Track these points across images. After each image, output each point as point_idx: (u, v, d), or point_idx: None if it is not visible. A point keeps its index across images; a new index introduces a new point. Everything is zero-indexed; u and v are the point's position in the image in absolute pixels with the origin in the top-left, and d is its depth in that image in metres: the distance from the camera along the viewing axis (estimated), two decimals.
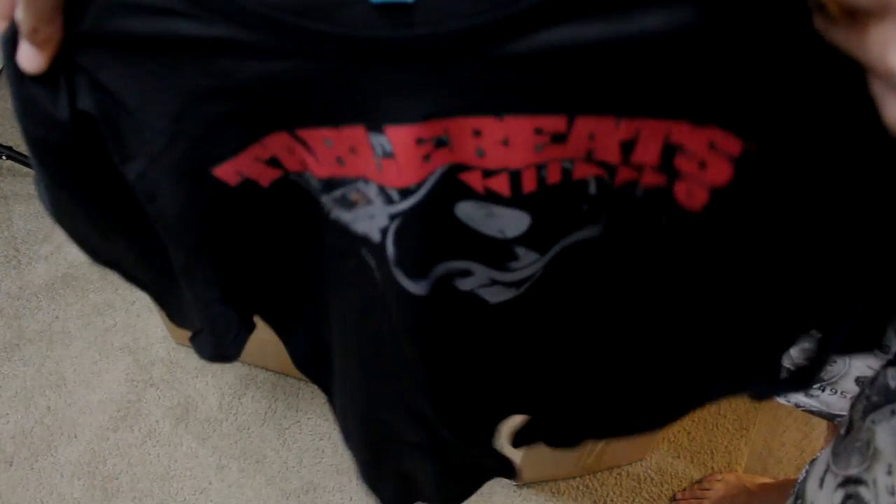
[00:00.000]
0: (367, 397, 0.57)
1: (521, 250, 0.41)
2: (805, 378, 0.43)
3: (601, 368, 0.53)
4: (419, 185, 0.36)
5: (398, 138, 0.34)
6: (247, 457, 1.22)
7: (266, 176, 0.39)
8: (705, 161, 0.33)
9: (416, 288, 0.42)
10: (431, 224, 0.39)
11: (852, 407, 0.43)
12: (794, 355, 0.43)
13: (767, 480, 1.14)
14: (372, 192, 0.37)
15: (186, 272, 0.45)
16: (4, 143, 1.48)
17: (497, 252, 0.41)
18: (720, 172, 0.33)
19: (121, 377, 1.31)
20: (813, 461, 0.50)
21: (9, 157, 1.48)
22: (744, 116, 0.31)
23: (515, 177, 0.36)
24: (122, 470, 1.20)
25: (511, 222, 0.39)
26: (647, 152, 0.34)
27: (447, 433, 0.56)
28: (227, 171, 0.38)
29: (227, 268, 0.46)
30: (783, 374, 0.44)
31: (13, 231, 1.51)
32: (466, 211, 0.39)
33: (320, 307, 0.50)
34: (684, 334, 0.46)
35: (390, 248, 0.40)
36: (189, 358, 1.33)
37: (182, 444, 1.23)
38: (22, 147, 1.59)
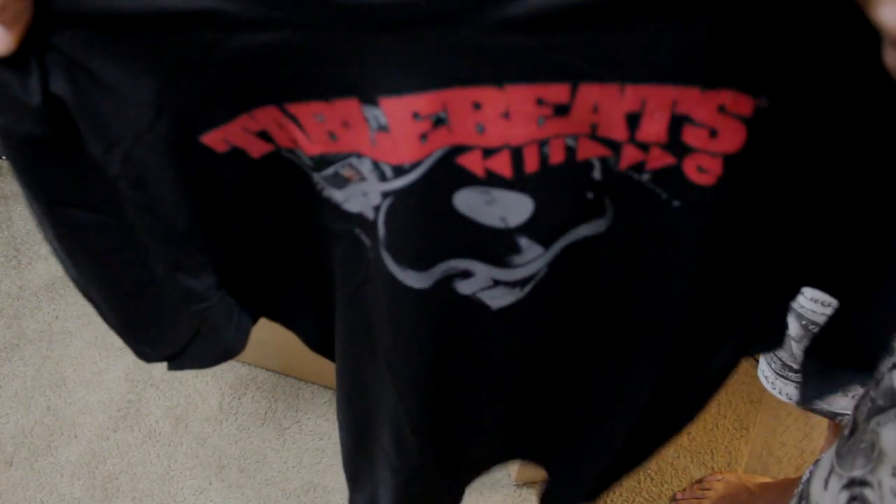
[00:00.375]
0: (356, 384, 0.55)
1: (523, 241, 0.39)
2: (855, 359, 0.41)
3: (611, 390, 0.50)
4: (414, 166, 0.35)
5: (393, 110, 0.33)
6: (247, 457, 1.21)
7: (256, 148, 0.38)
8: (716, 128, 0.32)
9: (405, 277, 0.40)
10: (427, 212, 0.37)
11: (856, 409, 0.43)
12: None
13: (767, 480, 1.14)
14: (366, 167, 0.36)
15: (177, 266, 0.43)
16: None
17: (499, 245, 0.40)
18: (733, 137, 0.32)
19: (121, 377, 1.31)
20: (817, 462, 0.50)
21: None
22: (753, 72, 0.30)
23: (517, 155, 0.35)
24: (122, 470, 1.20)
25: (513, 208, 0.37)
26: (654, 126, 0.32)
27: (415, 445, 0.53)
28: (215, 139, 0.36)
29: (221, 250, 0.44)
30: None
31: (13, 231, 1.51)
32: (466, 200, 0.37)
33: (323, 288, 0.48)
34: (696, 317, 0.44)
35: (381, 229, 0.38)
36: None
37: (182, 444, 1.23)
38: None
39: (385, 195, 0.37)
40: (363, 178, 0.37)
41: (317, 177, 0.38)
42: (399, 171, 0.35)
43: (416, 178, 0.36)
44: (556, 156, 0.35)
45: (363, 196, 0.37)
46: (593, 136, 0.34)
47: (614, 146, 0.34)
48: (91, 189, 0.39)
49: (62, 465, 1.20)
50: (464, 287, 0.42)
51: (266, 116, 0.35)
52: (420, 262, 0.40)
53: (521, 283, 0.42)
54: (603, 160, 0.35)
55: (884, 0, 0.23)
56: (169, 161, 0.37)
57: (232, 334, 0.49)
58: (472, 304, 0.43)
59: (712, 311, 0.43)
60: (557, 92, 0.31)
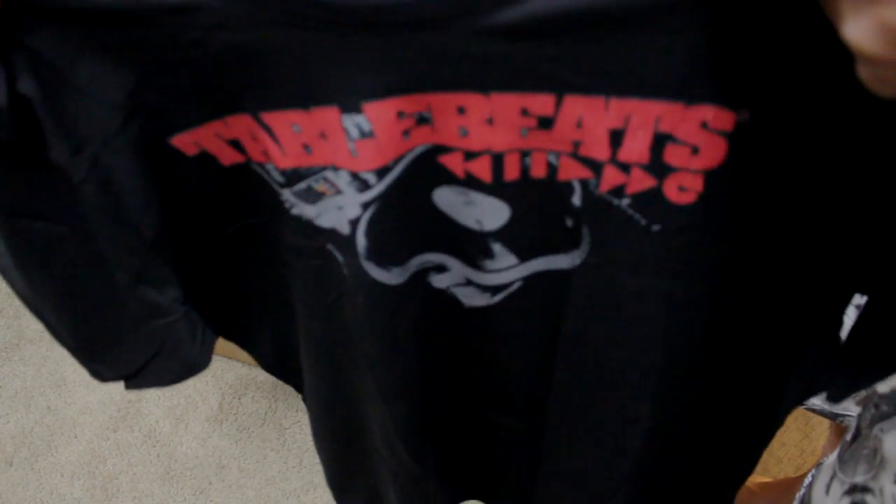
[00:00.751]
0: (336, 397, 0.54)
1: (497, 247, 0.39)
2: (870, 354, 0.38)
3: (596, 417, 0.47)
4: (397, 162, 0.35)
5: (378, 114, 0.32)
6: (247, 457, 1.22)
7: (227, 155, 0.37)
8: (698, 145, 0.32)
9: (387, 277, 0.40)
10: (407, 209, 0.37)
11: (860, 415, 0.43)
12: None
13: (767, 480, 1.14)
14: (342, 180, 0.35)
15: (141, 278, 0.42)
16: None
17: (473, 246, 0.39)
18: (714, 152, 0.32)
19: None
20: (818, 466, 0.50)
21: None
22: (735, 86, 0.30)
23: (498, 161, 0.34)
24: (122, 470, 1.20)
25: (490, 212, 0.37)
26: (637, 144, 0.32)
27: (403, 452, 0.53)
28: (185, 141, 0.35)
29: (186, 261, 0.43)
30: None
31: None
32: (445, 197, 0.37)
33: (284, 307, 0.48)
34: (696, 354, 0.41)
35: (360, 241, 0.38)
36: None
37: (182, 444, 1.23)
38: None
39: (366, 206, 0.36)
40: (339, 192, 0.36)
41: (286, 194, 0.38)
42: (382, 172, 0.35)
43: (398, 175, 0.35)
44: (538, 170, 0.35)
45: (337, 210, 0.37)
46: (575, 154, 0.33)
47: (596, 167, 0.34)
48: (51, 199, 0.37)
49: (62, 465, 1.20)
50: (438, 281, 0.42)
51: (239, 125, 0.35)
52: (399, 258, 0.40)
53: (493, 289, 0.42)
54: (584, 183, 0.35)
55: (849, 18, 0.23)
56: (138, 164, 0.36)
57: (197, 349, 0.48)
58: (445, 298, 0.43)
59: (735, 351, 0.41)
60: (542, 102, 0.31)
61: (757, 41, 0.28)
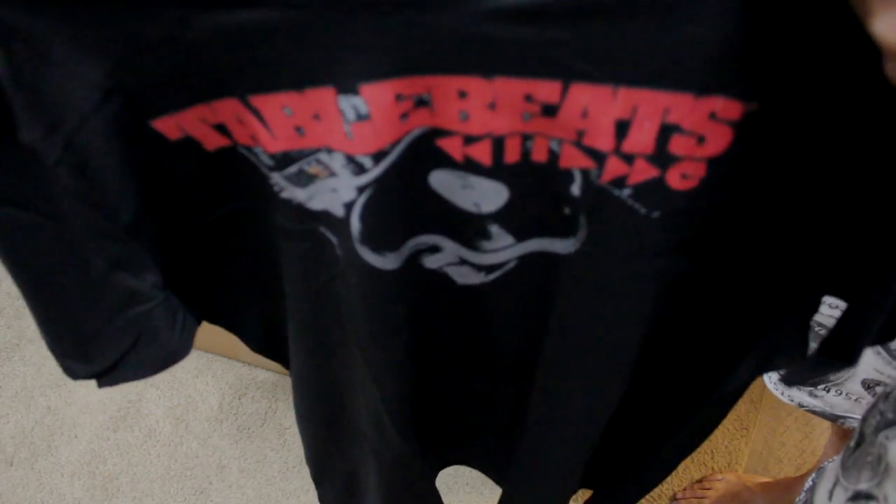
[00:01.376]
0: (321, 378, 0.54)
1: (494, 228, 0.38)
2: (839, 350, 0.39)
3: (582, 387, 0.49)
4: (394, 146, 0.34)
5: (375, 96, 0.31)
6: (247, 457, 1.21)
7: (211, 140, 0.35)
8: (704, 135, 0.31)
9: (382, 262, 0.39)
10: (403, 193, 0.36)
11: (864, 420, 0.43)
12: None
13: (767, 480, 1.14)
14: (337, 163, 0.34)
15: (118, 264, 0.40)
16: None
17: (469, 228, 0.39)
18: (720, 140, 0.31)
19: None
20: (820, 470, 0.49)
21: None
22: (748, 78, 0.29)
23: (498, 144, 0.34)
24: (122, 470, 1.20)
25: (488, 195, 0.36)
26: (642, 136, 0.31)
27: (393, 432, 0.53)
28: (168, 125, 0.34)
29: (166, 246, 0.41)
30: (810, 350, 0.41)
31: None
32: (441, 180, 0.36)
33: (272, 290, 0.46)
34: (683, 333, 0.44)
35: (355, 224, 0.37)
36: (189, 358, 1.33)
37: (182, 444, 1.23)
38: None
39: (361, 189, 0.35)
40: (332, 174, 0.35)
41: (276, 177, 0.36)
42: (379, 156, 0.34)
43: (395, 159, 0.34)
44: (539, 154, 0.34)
45: (331, 192, 0.36)
46: (578, 143, 0.33)
47: (598, 157, 0.33)
48: (20, 182, 0.35)
49: (62, 465, 1.20)
50: (430, 262, 0.42)
51: (225, 109, 0.33)
52: (394, 242, 0.39)
53: (488, 268, 0.42)
54: (584, 172, 0.34)
55: (879, 13, 0.23)
56: (116, 146, 0.34)
57: (177, 336, 0.46)
58: (438, 278, 0.43)
59: (708, 325, 0.42)
60: (548, 89, 0.30)
61: (775, 33, 0.28)
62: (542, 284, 0.42)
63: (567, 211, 0.36)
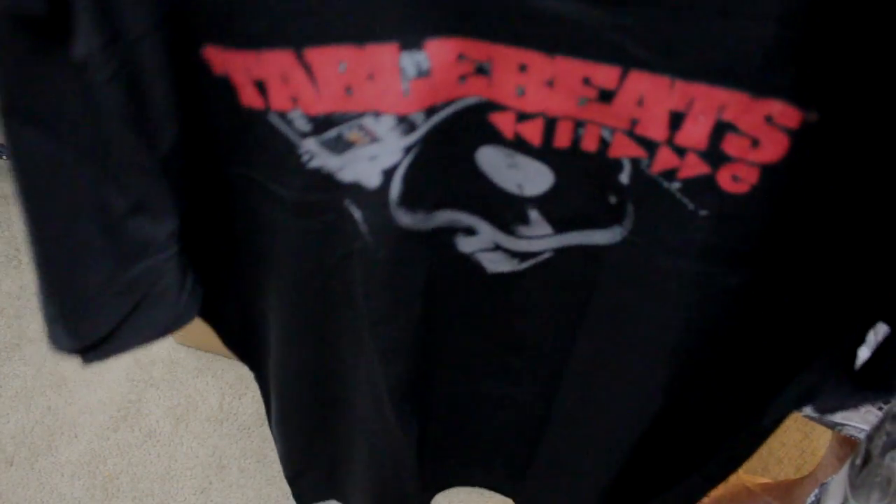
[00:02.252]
0: (313, 366, 0.52)
1: (534, 214, 0.38)
2: (878, 380, 0.37)
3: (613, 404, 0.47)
4: (446, 106, 0.34)
5: (439, 52, 0.31)
6: (247, 457, 1.22)
7: (247, 95, 0.34)
8: (759, 139, 0.31)
9: (415, 222, 0.38)
10: (448, 158, 0.36)
11: (870, 440, 0.42)
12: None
13: (767, 480, 1.14)
14: (383, 127, 0.34)
15: (141, 205, 0.37)
16: (4, 143, 1.48)
17: (509, 210, 0.38)
18: (775, 147, 0.31)
19: (121, 377, 1.31)
20: (824, 486, 0.49)
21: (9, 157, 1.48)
22: (808, 84, 0.29)
23: (550, 125, 0.33)
24: (122, 470, 1.20)
25: (533, 177, 0.36)
26: (696, 130, 0.31)
27: (391, 418, 0.51)
28: (215, 57, 0.33)
29: (188, 192, 0.40)
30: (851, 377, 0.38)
31: (13, 231, 1.51)
32: (488, 157, 0.36)
33: (258, 273, 0.44)
34: (723, 349, 0.41)
35: (395, 188, 0.36)
36: (189, 358, 1.33)
37: (182, 444, 1.23)
38: None
39: (408, 149, 0.35)
40: (374, 140, 0.34)
41: (309, 144, 0.35)
42: (430, 113, 0.34)
43: (445, 118, 0.34)
44: (589, 143, 0.34)
45: (368, 161, 0.35)
46: (631, 132, 0.32)
47: (650, 146, 0.33)
48: (55, 101, 0.33)
49: (62, 465, 1.20)
50: (464, 245, 0.41)
51: (273, 63, 0.32)
52: (431, 204, 0.38)
53: (522, 255, 0.41)
54: (635, 161, 0.34)
55: None
56: (168, 67, 0.33)
57: (185, 298, 0.43)
58: (469, 265, 0.42)
59: (748, 346, 0.40)
60: (606, 74, 0.30)
61: (839, 41, 0.27)
62: (578, 279, 0.41)
63: (613, 200, 0.36)
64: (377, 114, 0.33)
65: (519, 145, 0.35)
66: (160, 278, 0.41)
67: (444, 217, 0.39)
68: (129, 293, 0.40)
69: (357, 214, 0.38)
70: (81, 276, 0.39)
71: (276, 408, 0.60)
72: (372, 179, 0.36)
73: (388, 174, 0.36)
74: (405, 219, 0.38)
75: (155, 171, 0.37)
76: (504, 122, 0.34)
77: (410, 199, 0.38)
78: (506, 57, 0.31)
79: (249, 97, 0.34)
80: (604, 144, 0.34)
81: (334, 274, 0.43)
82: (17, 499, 1.16)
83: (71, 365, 1.32)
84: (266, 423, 1.25)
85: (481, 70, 0.32)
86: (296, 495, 0.70)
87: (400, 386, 0.49)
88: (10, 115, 0.33)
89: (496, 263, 0.42)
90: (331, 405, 0.57)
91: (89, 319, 0.41)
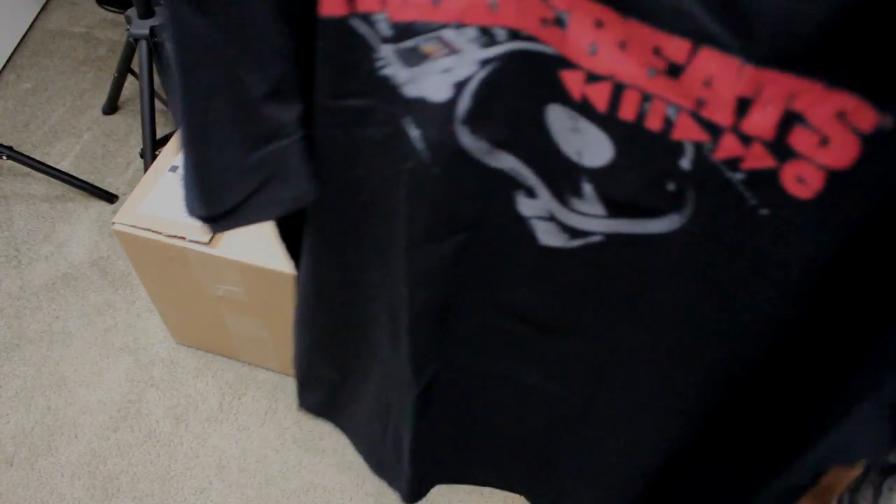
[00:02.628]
0: (340, 279, 0.51)
1: (587, 188, 0.37)
2: None
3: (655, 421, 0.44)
4: (527, 38, 0.33)
5: None
6: (247, 457, 1.21)
7: (328, 3, 0.34)
8: (828, 136, 0.29)
9: (476, 146, 0.37)
10: (520, 99, 0.35)
11: (854, 490, 0.41)
12: None
13: None
14: (463, 38, 0.34)
15: (277, 91, 0.39)
16: (4, 143, 1.48)
17: (565, 177, 0.37)
18: (844, 151, 0.29)
19: (121, 377, 1.31)
20: None
21: (9, 157, 1.48)
22: (885, 83, 0.27)
23: (617, 92, 0.33)
24: (122, 470, 1.20)
25: (593, 146, 0.35)
26: (763, 118, 0.30)
27: (405, 351, 0.49)
28: None
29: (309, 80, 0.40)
30: None
31: (13, 231, 1.51)
32: (555, 117, 0.35)
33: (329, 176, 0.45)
34: (778, 374, 0.38)
35: (463, 103, 0.36)
36: (189, 358, 1.33)
37: (182, 444, 1.23)
38: (22, 147, 1.59)
39: (485, 62, 0.34)
40: (452, 52, 0.34)
41: (386, 49, 0.35)
42: (514, 35, 0.33)
43: (526, 50, 0.33)
44: (654, 121, 0.33)
45: (440, 74, 0.35)
46: (696, 114, 0.32)
47: (715, 131, 0.32)
48: None
49: (62, 465, 1.20)
50: (524, 207, 0.40)
51: None
52: (495, 133, 0.37)
53: (573, 232, 0.40)
54: (698, 146, 0.33)
55: None
56: None
57: (308, 177, 0.44)
58: (522, 229, 0.41)
59: (792, 369, 0.38)
60: (677, 47, 0.30)
61: None
62: (628, 267, 0.39)
63: (672, 187, 0.35)
64: (460, 25, 0.33)
65: (584, 109, 0.34)
66: (287, 160, 0.42)
67: (507, 162, 0.38)
68: (258, 172, 0.42)
69: (414, 133, 0.38)
70: (217, 150, 0.41)
71: (296, 313, 0.59)
72: (440, 93, 0.36)
73: (459, 87, 0.35)
74: (467, 139, 0.37)
75: (292, 58, 0.38)
76: (573, 82, 0.33)
77: (477, 118, 0.37)
78: (583, 8, 0.30)
79: (332, 4, 0.34)
80: (668, 124, 0.33)
81: (380, 191, 0.42)
82: (17, 499, 1.16)
83: (71, 365, 1.32)
84: (265, 423, 1.25)
85: (559, 21, 0.31)
86: (300, 401, 0.68)
87: (421, 320, 0.47)
88: None
89: (548, 235, 0.41)
90: (346, 328, 0.55)
91: (220, 191, 0.43)
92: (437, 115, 0.37)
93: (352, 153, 0.42)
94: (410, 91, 0.36)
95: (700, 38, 0.29)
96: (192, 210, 0.44)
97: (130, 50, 1.49)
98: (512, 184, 0.39)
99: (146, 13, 1.39)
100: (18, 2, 1.88)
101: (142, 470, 1.20)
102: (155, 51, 1.41)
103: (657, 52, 0.30)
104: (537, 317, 0.46)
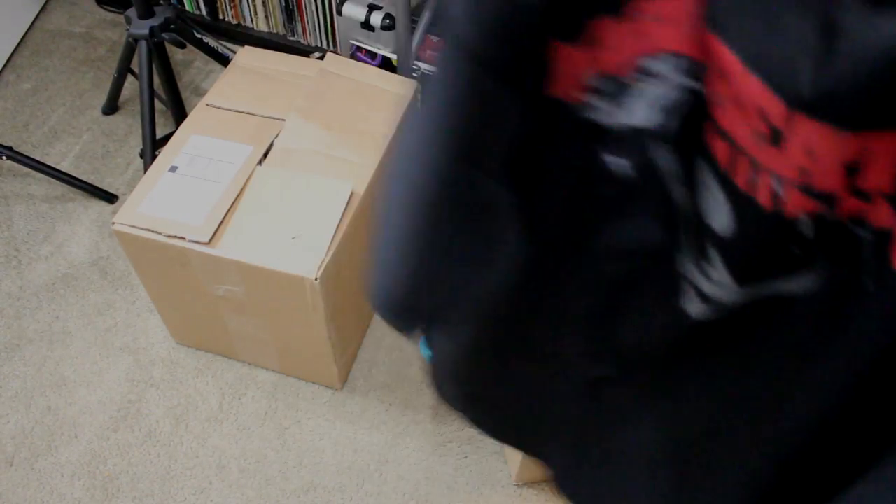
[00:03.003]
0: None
1: (714, 254, 0.33)
2: None
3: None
4: (697, 63, 0.30)
5: (675, 9, 0.29)
6: (247, 457, 1.22)
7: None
8: None
9: (669, 163, 0.34)
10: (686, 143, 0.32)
11: None
12: None
13: None
14: (663, 65, 0.31)
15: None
16: (4, 144, 1.48)
17: (698, 237, 0.34)
18: None
19: (121, 377, 1.31)
20: None
21: (9, 158, 1.48)
22: None
23: (734, 154, 0.30)
24: (122, 470, 1.20)
25: (715, 207, 0.32)
26: (878, 173, 0.26)
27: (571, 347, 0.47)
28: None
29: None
30: None
31: (13, 231, 1.51)
32: (699, 166, 0.32)
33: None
34: None
35: (656, 120, 0.33)
36: (189, 358, 1.33)
37: (182, 444, 1.23)
38: (22, 147, 1.59)
39: (680, 88, 0.32)
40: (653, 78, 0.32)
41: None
42: (692, 67, 0.31)
43: (699, 88, 0.31)
44: (763, 196, 0.30)
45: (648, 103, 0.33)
46: (803, 187, 0.28)
47: (829, 200, 0.29)
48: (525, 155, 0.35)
49: (62, 465, 1.20)
50: (682, 265, 0.37)
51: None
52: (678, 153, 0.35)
53: (710, 301, 0.36)
54: (815, 216, 0.30)
55: None
56: None
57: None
58: (673, 308, 0.38)
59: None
60: (775, 108, 0.26)
61: None
62: (757, 338, 0.36)
63: (797, 251, 0.32)
64: (677, 54, 0.31)
65: (709, 161, 0.31)
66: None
67: (679, 193, 0.35)
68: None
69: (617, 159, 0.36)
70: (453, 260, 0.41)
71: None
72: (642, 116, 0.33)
73: (661, 110, 0.33)
74: (661, 155, 0.34)
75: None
76: (709, 131, 0.31)
77: (666, 131, 0.34)
78: (713, 51, 0.28)
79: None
80: (776, 201, 0.30)
81: (573, 200, 0.40)
82: (17, 499, 1.16)
83: (71, 365, 1.32)
84: (265, 423, 1.25)
85: (694, 69, 0.30)
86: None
87: (592, 319, 0.45)
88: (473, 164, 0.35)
89: (691, 303, 0.37)
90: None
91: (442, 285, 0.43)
92: (640, 139, 0.34)
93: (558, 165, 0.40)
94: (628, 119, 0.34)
95: (792, 101, 0.26)
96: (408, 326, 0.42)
97: (130, 50, 1.49)
98: (675, 236, 0.37)
99: (146, 13, 1.39)
100: (18, 2, 1.89)
101: (142, 470, 1.20)
102: (154, 51, 1.41)
103: (762, 115, 0.27)
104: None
